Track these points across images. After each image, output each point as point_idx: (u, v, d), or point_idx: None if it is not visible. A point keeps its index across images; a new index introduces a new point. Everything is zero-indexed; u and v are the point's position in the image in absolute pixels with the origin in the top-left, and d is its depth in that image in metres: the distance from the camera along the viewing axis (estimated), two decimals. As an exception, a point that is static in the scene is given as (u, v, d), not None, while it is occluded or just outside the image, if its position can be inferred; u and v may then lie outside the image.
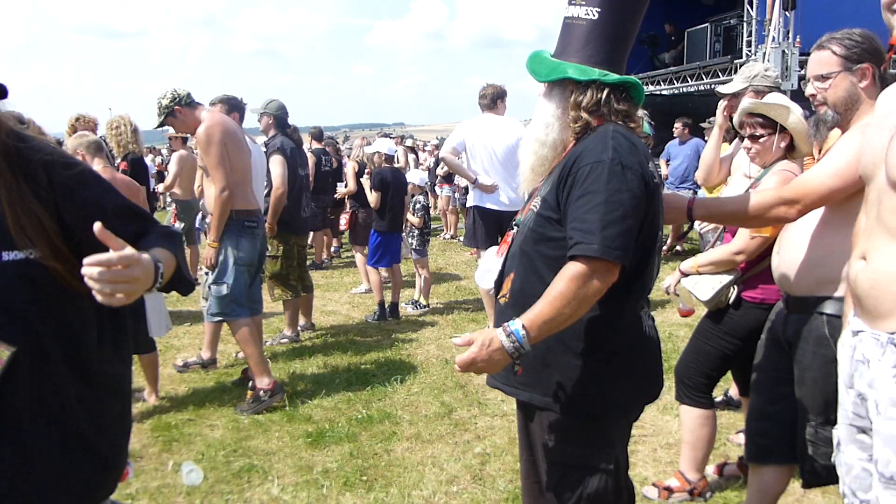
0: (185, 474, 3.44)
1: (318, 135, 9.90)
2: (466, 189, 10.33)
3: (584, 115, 1.87)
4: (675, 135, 9.49)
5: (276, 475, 3.49)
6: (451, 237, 12.18)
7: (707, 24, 14.27)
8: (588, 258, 1.70)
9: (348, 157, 9.84)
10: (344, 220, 7.88)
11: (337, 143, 11.82)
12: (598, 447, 1.92)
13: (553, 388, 1.90)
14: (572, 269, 1.72)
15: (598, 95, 1.87)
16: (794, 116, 2.74)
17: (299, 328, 5.97)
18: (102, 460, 1.57)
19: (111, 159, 5.25)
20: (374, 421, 4.12)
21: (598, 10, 1.86)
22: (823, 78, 2.25)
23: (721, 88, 3.60)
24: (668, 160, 9.58)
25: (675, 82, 14.77)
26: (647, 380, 2.01)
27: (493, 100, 5.73)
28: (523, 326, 1.71)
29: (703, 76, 13.67)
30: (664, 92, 15.85)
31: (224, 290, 4.35)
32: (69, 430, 1.49)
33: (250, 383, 4.41)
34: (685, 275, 2.96)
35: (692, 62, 14.24)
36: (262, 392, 4.32)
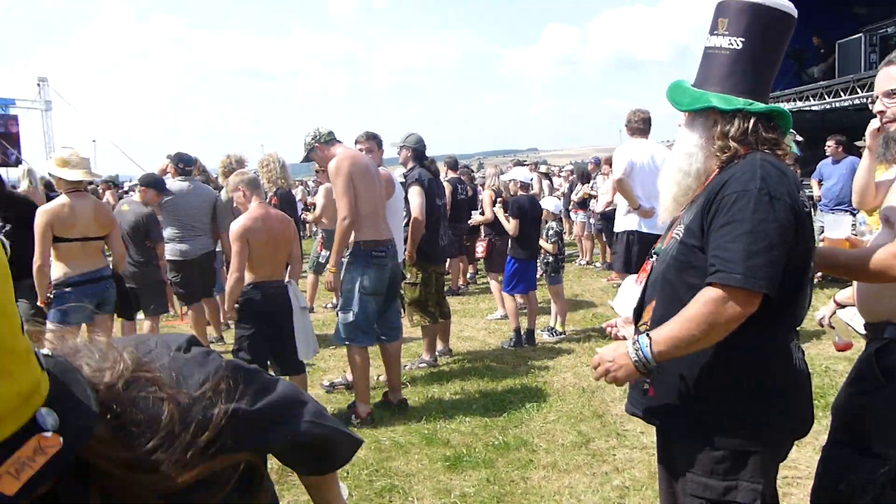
0: None
1: (453, 164, 10.16)
2: (602, 214, 10.21)
3: (733, 144, 1.86)
4: (827, 153, 8.92)
5: (416, 497, 3.60)
6: (587, 263, 12.03)
7: (861, 35, 13.34)
8: (727, 286, 1.70)
9: (482, 185, 10.01)
10: (481, 248, 8.00)
11: (472, 171, 12.06)
12: (742, 482, 1.85)
13: (696, 417, 1.88)
14: (709, 294, 1.73)
15: (745, 125, 1.86)
16: None
17: (437, 353, 6.12)
18: None
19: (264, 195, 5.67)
20: (511, 448, 4.15)
21: (742, 39, 1.86)
22: (894, 93, 2.14)
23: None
24: (820, 180, 9.01)
25: (825, 97, 13.88)
26: (796, 415, 1.93)
27: (648, 124, 5.79)
28: (648, 336, 1.77)
29: (858, 90, 12.75)
30: (814, 108, 14.92)
31: (350, 317, 4.59)
32: None
33: (351, 403, 4.72)
34: (841, 306, 2.78)
35: (845, 75, 13.34)
36: (353, 417, 4.61)
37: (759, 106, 1.86)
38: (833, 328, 2.86)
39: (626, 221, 5.78)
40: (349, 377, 5.38)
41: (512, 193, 6.86)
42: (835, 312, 2.83)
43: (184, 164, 6.37)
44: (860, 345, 2.91)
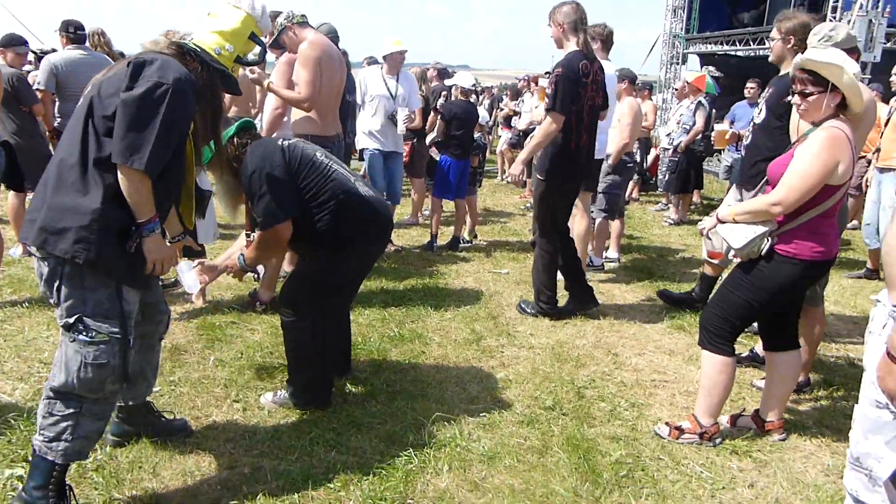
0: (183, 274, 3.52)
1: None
2: (520, 133, 10.30)
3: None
4: (746, 95, 9.20)
5: (308, 377, 3.67)
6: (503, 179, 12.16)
7: (794, -16, 13.62)
8: None
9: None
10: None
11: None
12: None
13: None
14: None
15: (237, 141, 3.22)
16: (848, 76, 2.68)
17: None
18: None
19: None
20: (405, 340, 4.28)
21: None
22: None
23: None
24: (732, 121, 9.32)
25: (751, 44, 14.21)
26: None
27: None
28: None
29: (784, 39, 13.15)
30: (740, 53, 15.26)
31: None
32: None
33: (253, 291, 4.86)
34: (722, 221, 2.97)
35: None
36: (257, 304, 4.74)
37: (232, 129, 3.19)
38: (710, 239, 3.06)
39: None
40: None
41: (453, 98, 6.91)
42: (715, 226, 3.01)
43: (75, 29, 5.91)
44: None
